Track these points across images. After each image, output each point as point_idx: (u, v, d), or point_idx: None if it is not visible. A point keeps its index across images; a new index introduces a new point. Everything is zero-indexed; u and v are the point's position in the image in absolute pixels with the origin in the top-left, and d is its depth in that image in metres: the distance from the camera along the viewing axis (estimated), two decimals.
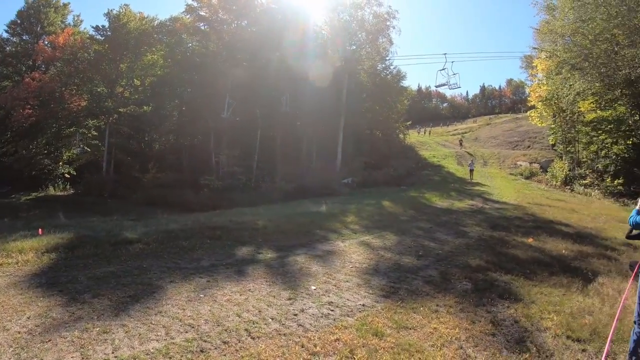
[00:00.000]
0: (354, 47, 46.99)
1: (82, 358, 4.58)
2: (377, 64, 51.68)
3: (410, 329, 5.72)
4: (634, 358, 4.51)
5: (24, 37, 51.48)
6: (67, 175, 45.06)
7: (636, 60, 26.15)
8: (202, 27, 44.76)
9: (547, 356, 5.07)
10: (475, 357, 5.00)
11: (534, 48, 42.56)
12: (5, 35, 51.10)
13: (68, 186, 43.66)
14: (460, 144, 65.04)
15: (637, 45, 25.92)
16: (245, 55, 41.66)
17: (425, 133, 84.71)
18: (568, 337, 5.60)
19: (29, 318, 5.54)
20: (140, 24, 45.31)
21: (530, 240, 12.30)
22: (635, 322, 4.62)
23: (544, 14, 36.73)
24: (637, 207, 4.65)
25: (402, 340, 5.30)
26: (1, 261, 7.98)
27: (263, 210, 18.97)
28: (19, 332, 5.10)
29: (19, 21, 51.25)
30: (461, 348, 5.21)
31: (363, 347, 5.08)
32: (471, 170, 37.83)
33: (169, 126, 49.94)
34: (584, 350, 5.27)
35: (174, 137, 50.61)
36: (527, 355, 5.04)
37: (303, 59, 41.72)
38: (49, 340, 4.93)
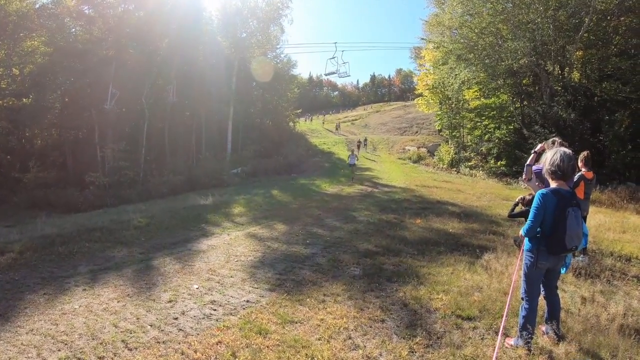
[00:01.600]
0: (245, 35, 46.45)
1: None
2: (268, 52, 51.58)
3: (296, 322, 5.53)
4: (524, 333, 4.59)
5: None
6: None
7: (518, 52, 28.08)
8: (87, 11, 42.07)
9: (437, 338, 5.03)
10: (365, 347, 4.86)
11: (423, 39, 44.44)
12: None
13: None
14: (337, 129, 66.95)
15: (519, 39, 27.54)
16: (131, 42, 39.99)
17: (318, 120, 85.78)
18: (458, 316, 5.60)
19: None
20: (21, 6, 42.15)
21: (418, 221, 12.57)
22: (523, 299, 4.71)
23: (434, 7, 38.53)
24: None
25: (287, 336, 5.10)
26: None
27: (148, 206, 18.41)
28: None
29: None
30: (350, 338, 5.07)
31: (246, 347, 4.84)
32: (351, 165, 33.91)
33: (51, 119, 46.89)
34: (474, 328, 5.28)
35: (56, 132, 47.80)
36: (417, 340, 4.96)
37: (192, 46, 40.86)
38: None
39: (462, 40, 32.28)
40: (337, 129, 69.11)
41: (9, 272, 7.88)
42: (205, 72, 41.46)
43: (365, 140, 54.61)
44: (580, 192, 7.63)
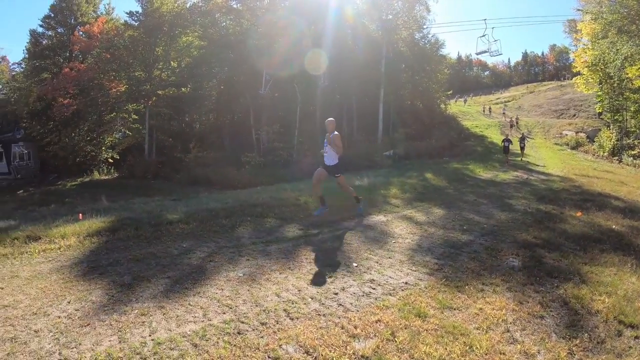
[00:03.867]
0: (390, 17, 46.18)
1: (120, 341, 4.56)
2: (415, 33, 50.95)
3: (454, 309, 5.50)
4: None
5: (58, 30, 53.11)
6: (110, 160, 46.62)
7: None
8: (235, 5, 44.85)
9: (597, 342, 4.76)
10: (523, 342, 4.74)
11: (578, 10, 41.30)
12: (40, 29, 52.87)
13: (112, 170, 45.08)
14: (504, 114, 64.22)
15: None
16: (280, 31, 41.39)
17: (470, 102, 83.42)
18: (620, 322, 5.23)
19: (69, 302, 5.55)
20: (173, 7, 45.67)
21: (579, 214, 11.86)
22: None
23: None
24: None
25: (446, 322, 5.10)
26: (44, 247, 8.01)
27: (304, 185, 18.86)
28: (59, 317, 5.11)
29: (52, 15, 52.87)
30: (508, 331, 4.96)
31: (405, 329, 4.91)
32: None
33: (208, 105, 50.51)
34: (637, 337, 4.93)
35: (214, 116, 51.17)
36: (577, 341, 4.75)
37: (340, 30, 41.37)
38: (88, 324, 4.92)
39: (622, 10, 29.61)
40: (488, 111, 66.97)
41: (177, 240, 8.50)
42: (354, 55, 41.89)
43: (517, 119, 52.57)
44: None
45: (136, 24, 45.88)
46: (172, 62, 49.06)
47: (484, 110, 68.57)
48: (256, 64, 39.53)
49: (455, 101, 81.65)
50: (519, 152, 31.91)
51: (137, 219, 10.11)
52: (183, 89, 49.05)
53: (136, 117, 47.52)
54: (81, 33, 50.98)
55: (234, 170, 34.08)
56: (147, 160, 43.56)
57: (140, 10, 45.61)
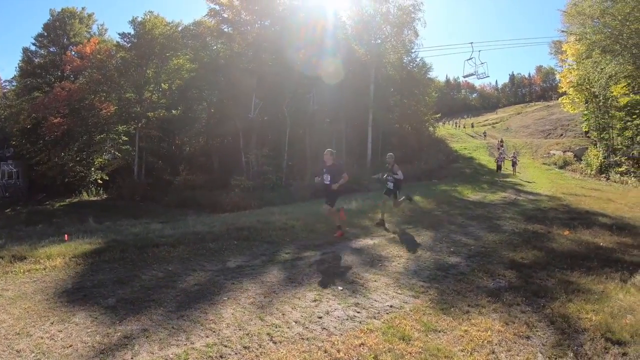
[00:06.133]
0: (379, 41, 46.80)
1: None
2: (403, 57, 51.50)
3: (439, 331, 5.50)
4: None
5: (51, 49, 53.82)
6: (99, 181, 46.33)
7: None
8: (226, 30, 45.22)
9: None
10: None
11: (562, 31, 41.79)
12: (33, 47, 53.46)
13: (101, 191, 44.79)
14: (484, 136, 65.24)
15: None
16: (269, 55, 41.74)
17: (462, 126, 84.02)
18: (607, 340, 5.24)
19: (52, 323, 5.58)
20: (165, 30, 46.05)
21: (566, 232, 11.90)
22: None
23: None
24: None
25: (430, 344, 5.09)
26: (29, 267, 8.06)
27: (292, 208, 18.91)
28: (42, 338, 5.14)
29: (45, 33, 53.71)
30: (493, 353, 4.95)
31: (389, 352, 4.89)
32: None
33: (198, 128, 50.77)
34: (624, 354, 4.93)
35: (203, 139, 51.30)
36: None
37: (328, 55, 41.70)
38: (70, 346, 4.95)
39: (605, 30, 30.14)
40: (483, 134, 67.81)
41: (163, 263, 8.51)
42: (344, 79, 42.14)
43: (502, 142, 53.12)
44: None
45: (128, 45, 46.28)
46: (162, 85, 49.30)
47: (479, 132, 69.47)
48: (246, 88, 39.81)
49: (444, 124, 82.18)
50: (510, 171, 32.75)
51: (124, 241, 10.14)
52: (173, 111, 49.47)
53: (126, 138, 47.40)
54: (73, 53, 51.21)
55: (222, 193, 34.09)
56: (136, 182, 43.42)
57: (132, 32, 46.05)
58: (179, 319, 5.80)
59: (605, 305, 6.32)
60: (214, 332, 5.42)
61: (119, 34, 46.52)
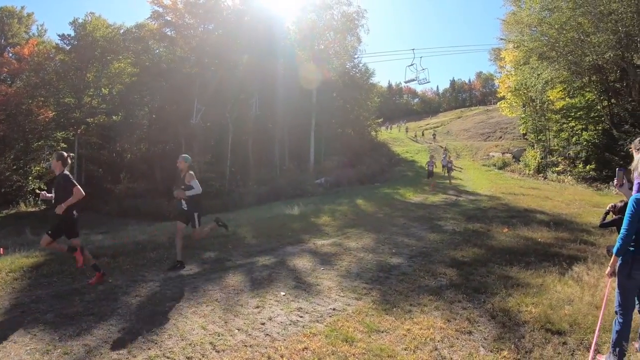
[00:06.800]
0: (322, 47, 47.06)
1: None
2: (346, 63, 51.96)
3: (382, 332, 5.50)
4: (617, 349, 4.33)
5: None
6: (37, 191, 44.25)
7: (602, 46, 26.60)
8: (169, 33, 44.40)
9: (526, 352, 4.86)
10: (451, 359, 4.80)
11: (502, 39, 43.30)
12: None
13: (39, 202, 43.02)
14: (434, 138, 65.85)
15: (602, 32, 26.31)
16: (213, 60, 41.32)
17: (400, 129, 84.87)
18: (547, 330, 5.39)
19: None
20: (107, 32, 44.85)
21: (505, 230, 12.25)
22: (617, 312, 4.45)
23: (511, 5, 37.25)
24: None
25: (373, 345, 5.08)
26: None
27: (235, 215, 18.78)
28: None
29: None
30: (436, 349, 4.99)
31: (332, 354, 4.87)
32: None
33: (139, 135, 49.55)
34: (564, 344, 5.06)
35: (145, 146, 50.13)
36: (505, 353, 4.84)
37: (272, 60, 41.63)
38: None
39: (542, 38, 31.24)
40: (434, 138, 68.71)
41: (103, 275, 8.15)
42: (286, 84, 42.13)
43: (446, 149, 54.22)
44: None
45: (68, 47, 44.59)
46: (103, 89, 48.13)
47: (426, 135, 70.41)
48: (188, 93, 39.29)
49: (386, 129, 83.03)
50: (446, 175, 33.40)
51: (62, 254, 9.72)
52: (114, 117, 48.04)
53: (65, 145, 45.43)
54: (11, 54, 49.33)
55: (164, 201, 33.45)
56: None
57: (72, 34, 44.50)
58: (120, 332, 5.62)
59: (544, 298, 6.52)
60: (156, 344, 5.27)
61: (58, 35, 45.07)
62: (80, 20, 44.79)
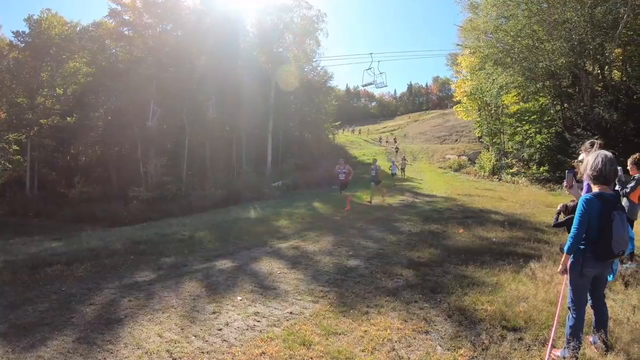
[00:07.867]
0: (281, 50, 47.17)
1: None
2: (305, 66, 52.00)
3: (339, 334, 5.52)
4: (571, 344, 4.46)
5: None
6: None
7: (555, 53, 27.54)
8: (127, 32, 43.52)
9: (482, 349, 4.94)
10: (409, 358, 4.84)
11: (458, 45, 44.14)
12: None
13: None
14: (395, 141, 66.42)
15: (556, 39, 27.11)
16: (170, 60, 40.82)
17: (357, 132, 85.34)
18: (503, 327, 5.49)
19: None
20: (63, 30, 43.63)
21: (461, 230, 12.49)
22: (569, 308, 4.58)
23: (468, 12, 38.09)
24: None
25: (330, 347, 5.09)
26: None
27: (192, 219, 18.57)
28: None
29: None
30: (393, 350, 5.03)
31: (290, 358, 4.87)
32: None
33: (94, 137, 48.21)
34: (520, 340, 5.17)
35: (100, 149, 48.93)
36: (461, 351, 4.91)
37: (230, 61, 41.45)
38: None
39: (498, 45, 32.12)
40: (380, 140, 69.19)
41: (56, 283, 8.01)
42: (244, 87, 42.00)
43: (397, 149, 54.67)
44: (635, 197, 7.49)
45: (22, 45, 42.66)
46: (57, 89, 46.65)
47: (379, 140, 70.93)
48: (145, 95, 38.69)
49: (344, 131, 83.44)
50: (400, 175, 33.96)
51: (14, 262, 9.49)
52: (68, 118, 46.48)
53: (17, 148, 43.69)
54: None
55: (120, 205, 32.93)
56: (28, 196, 40.24)
57: (27, 31, 42.59)
58: (75, 342, 5.47)
59: (500, 296, 6.64)
60: (111, 353, 5.16)
61: (12, 32, 43.33)
62: (35, 17, 43.19)
